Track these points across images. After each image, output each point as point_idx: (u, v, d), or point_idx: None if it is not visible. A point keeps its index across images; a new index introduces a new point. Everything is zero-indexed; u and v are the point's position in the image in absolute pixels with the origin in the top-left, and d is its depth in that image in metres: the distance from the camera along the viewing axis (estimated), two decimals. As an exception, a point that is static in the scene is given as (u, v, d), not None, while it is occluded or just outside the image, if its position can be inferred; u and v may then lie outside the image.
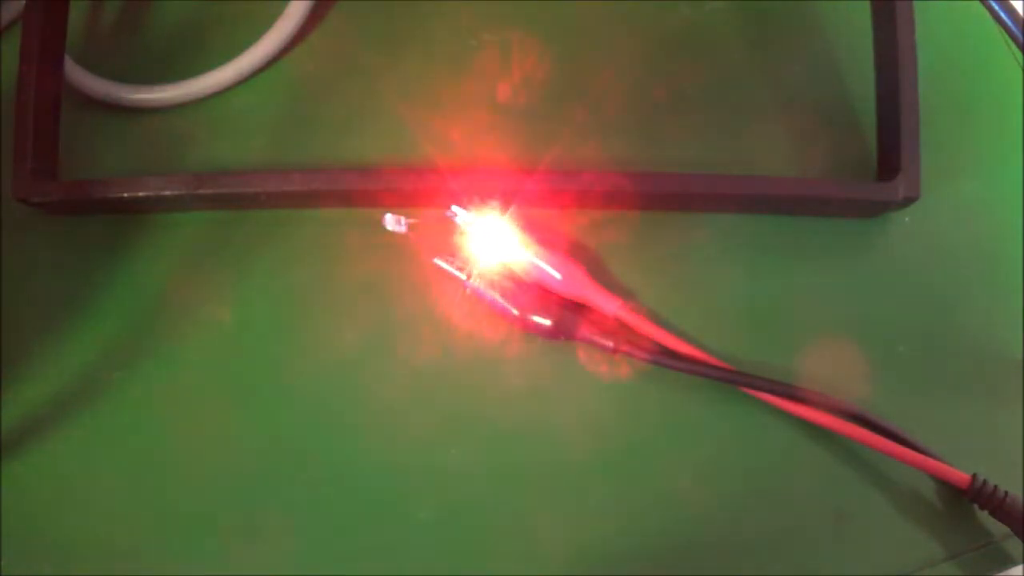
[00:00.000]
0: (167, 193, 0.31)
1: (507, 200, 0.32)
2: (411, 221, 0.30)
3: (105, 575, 0.29)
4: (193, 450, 0.30)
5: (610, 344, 0.30)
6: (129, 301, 0.32)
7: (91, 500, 0.30)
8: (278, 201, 0.32)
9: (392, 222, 0.30)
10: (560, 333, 0.30)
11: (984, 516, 0.29)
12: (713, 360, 0.30)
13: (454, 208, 0.31)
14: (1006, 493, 0.28)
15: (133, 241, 0.32)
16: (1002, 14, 0.26)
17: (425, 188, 0.31)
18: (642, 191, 0.31)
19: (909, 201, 0.30)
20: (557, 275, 0.30)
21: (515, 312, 0.30)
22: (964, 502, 0.29)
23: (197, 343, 0.31)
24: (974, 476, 0.28)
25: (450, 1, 0.35)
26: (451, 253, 0.31)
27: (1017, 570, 0.28)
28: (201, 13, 0.36)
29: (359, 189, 0.31)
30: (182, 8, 0.36)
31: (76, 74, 0.34)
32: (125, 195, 0.31)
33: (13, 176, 0.31)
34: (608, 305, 0.30)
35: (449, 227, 0.31)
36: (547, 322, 0.30)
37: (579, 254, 0.31)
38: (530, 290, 0.30)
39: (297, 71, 0.35)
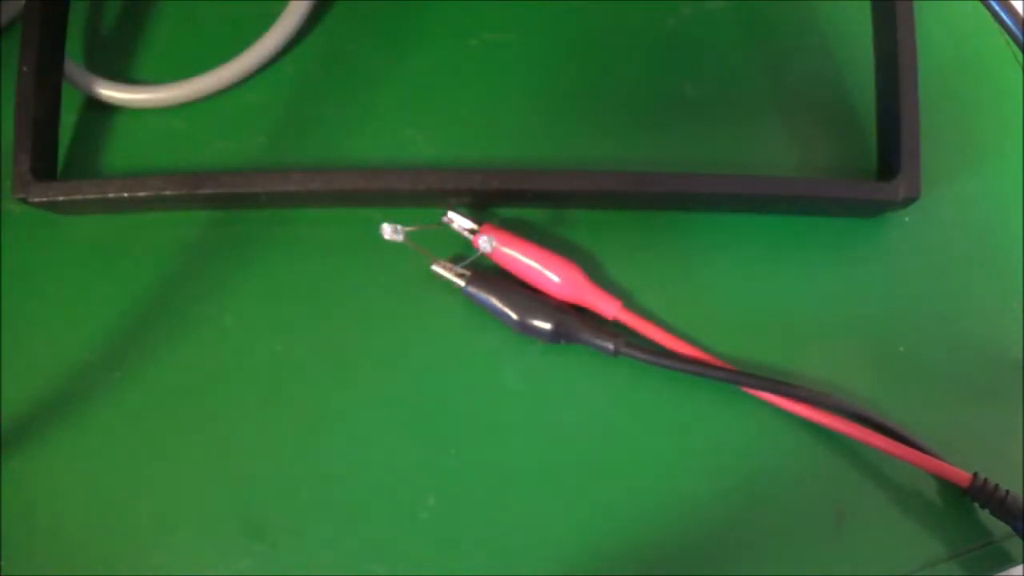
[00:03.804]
0: (167, 193, 0.31)
1: (505, 201, 0.32)
2: (408, 229, 0.30)
3: (105, 575, 0.29)
4: (193, 450, 0.30)
5: (610, 346, 0.30)
6: (129, 301, 0.32)
7: (91, 500, 0.30)
8: (278, 201, 0.32)
9: (389, 231, 0.30)
10: (560, 336, 0.30)
11: (985, 515, 0.29)
12: (713, 360, 0.30)
13: (450, 214, 0.31)
14: (1007, 492, 0.28)
15: (133, 241, 0.32)
16: (1002, 14, 0.27)
17: (424, 188, 0.31)
18: (642, 191, 0.31)
19: (909, 201, 0.30)
20: (555, 278, 0.30)
21: (514, 317, 0.30)
22: (965, 501, 0.29)
23: (197, 343, 0.31)
24: (975, 475, 0.28)
25: (450, 1, 0.35)
26: (448, 258, 0.31)
27: (1017, 570, 0.28)
28: (201, 13, 0.36)
29: (359, 189, 0.31)
30: (182, 8, 0.36)
31: (76, 74, 0.34)
32: (125, 195, 0.31)
33: (13, 176, 0.31)
34: (607, 307, 0.30)
35: (447, 230, 0.31)
36: (547, 326, 0.30)
37: (578, 255, 0.31)
38: (528, 294, 0.30)
39: (297, 71, 0.35)
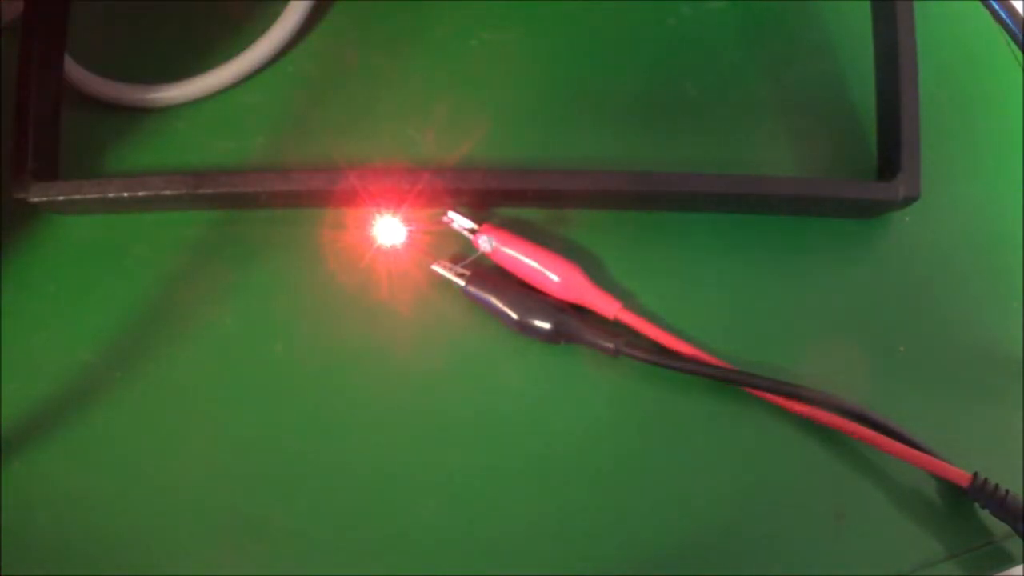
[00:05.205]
0: (167, 193, 0.31)
1: (505, 201, 0.32)
2: (409, 229, 0.30)
3: (104, 575, 0.29)
4: (193, 450, 0.30)
5: (611, 346, 0.30)
6: (129, 301, 0.32)
7: (91, 500, 0.30)
8: (278, 201, 0.32)
9: (389, 231, 0.30)
10: (560, 336, 0.30)
11: (985, 515, 0.29)
12: (713, 360, 0.30)
13: (450, 214, 0.31)
14: (1007, 491, 0.28)
15: (133, 241, 0.32)
16: (1002, 14, 0.27)
17: (424, 188, 0.31)
18: (642, 191, 0.31)
19: (909, 201, 0.31)
20: (555, 278, 0.30)
21: (514, 316, 0.30)
22: (965, 500, 0.29)
23: (197, 343, 0.31)
24: (975, 474, 0.28)
25: (450, 1, 0.35)
26: (449, 257, 0.31)
27: (1017, 570, 0.28)
28: (201, 13, 0.36)
29: (358, 189, 0.31)
30: (182, 8, 0.36)
31: (76, 74, 0.34)
32: (125, 195, 0.31)
33: (13, 176, 0.31)
34: (607, 307, 0.30)
35: (447, 230, 0.31)
36: (547, 326, 0.30)
37: (578, 255, 0.31)
38: (528, 294, 0.30)
39: (297, 71, 0.35)
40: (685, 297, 0.31)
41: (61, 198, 0.31)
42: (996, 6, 0.26)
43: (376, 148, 0.33)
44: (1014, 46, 0.34)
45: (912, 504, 0.29)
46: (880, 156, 0.32)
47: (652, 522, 0.29)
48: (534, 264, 0.30)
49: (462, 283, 0.30)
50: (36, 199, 0.31)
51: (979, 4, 0.27)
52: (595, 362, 0.30)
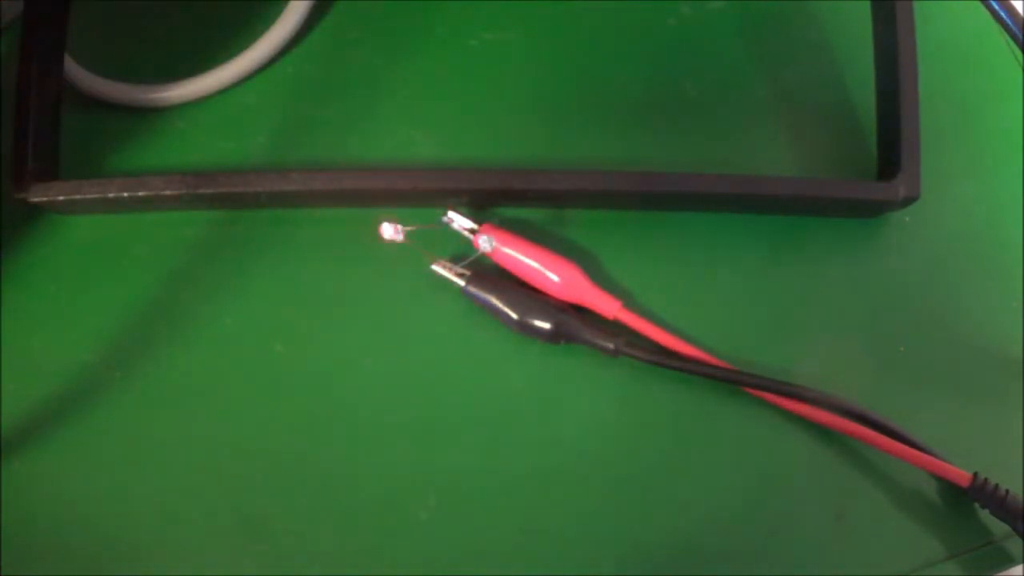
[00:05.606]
0: (167, 193, 0.31)
1: (505, 201, 0.32)
2: (408, 229, 0.30)
3: (105, 575, 0.29)
4: (193, 450, 0.30)
5: (611, 346, 0.30)
6: (129, 301, 0.32)
7: (91, 500, 0.30)
8: (278, 201, 0.32)
9: (389, 231, 0.30)
10: (560, 336, 0.30)
11: (985, 515, 0.29)
12: (713, 360, 0.30)
13: (450, 214, 0.31)
14: (1007, 491, 0.28)
15: (133, 241, 0.32)
16: (1002, 14, 0.27)
17: (424, 188, 0.31)
18: (642, 191, 0.31)
19: (909, 201, 0.31)
20: (555, 278, 0.30)
21: (514, 316, 0.30)
22: (965, 501, 0.29)
23: (197, 343, 0.31)
24: (975, 474, 0.28)
25: (450, 1, 0.35)
26: (448, 257, 0.31)
27: (1017, 570, 0.28)
28: (201, 13, 0.36)
29: (359, 189, 0.31)
30: (182, 8, 0.36)
31: (76, 74, 0.34)
32: (125, 195, 0.31)
33: (13, 176, 0.31)
34: (607, 307, 0.30)
35: (447, 230, 0.31)
36: (546, 326, 0.30)
37: (578, 255, 0.31)
38: (528, 294, 0.30)
39: (297, 71, 0.35)
40: (685, 297, 0.31)
41: (61, 198, 0.31)
42: (996, 6, 0.26)
43: (376, 148, 0.33)
44: (1014, 46, 0.34)
45: (912, 504, 0.29)
46: (880, 156, 0.32)
47: (652, 522, 0.29)
48: (534, 264, 0.30)
49: (462, 283, 0.30)
50: (36, 199, 0.31)
51: (979, 4, 0.27)
52: (595, 362, 0.30)
